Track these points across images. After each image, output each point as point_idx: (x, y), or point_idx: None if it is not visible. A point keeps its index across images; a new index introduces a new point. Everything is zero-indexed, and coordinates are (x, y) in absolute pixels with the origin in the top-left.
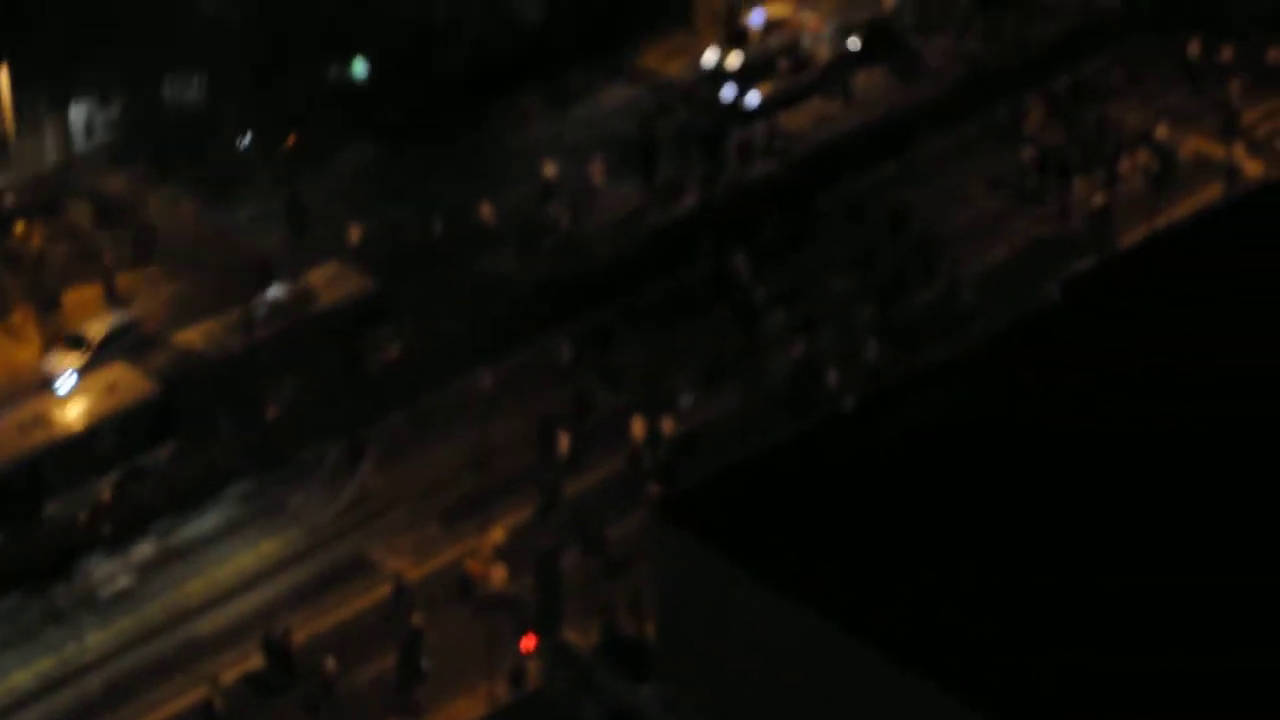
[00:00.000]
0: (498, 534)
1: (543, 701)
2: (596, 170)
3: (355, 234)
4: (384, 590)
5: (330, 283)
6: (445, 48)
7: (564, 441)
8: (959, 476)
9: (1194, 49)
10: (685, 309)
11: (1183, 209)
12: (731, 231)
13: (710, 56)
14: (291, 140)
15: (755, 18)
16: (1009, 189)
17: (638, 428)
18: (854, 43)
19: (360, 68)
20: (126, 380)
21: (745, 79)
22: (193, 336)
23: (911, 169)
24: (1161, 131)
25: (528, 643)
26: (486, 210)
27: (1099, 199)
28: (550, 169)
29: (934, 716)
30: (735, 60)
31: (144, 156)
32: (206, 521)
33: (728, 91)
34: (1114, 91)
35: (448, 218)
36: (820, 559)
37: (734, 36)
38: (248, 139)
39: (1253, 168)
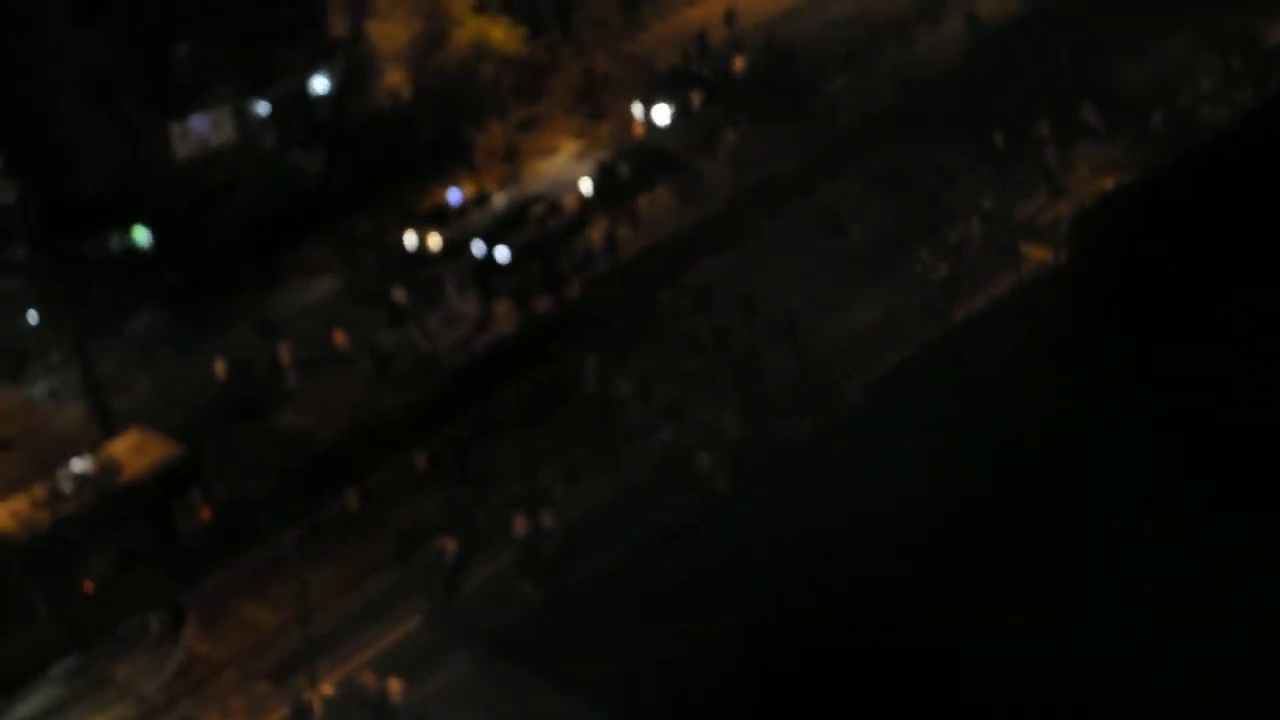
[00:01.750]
0: (327, 688)
1: None
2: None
3: (151, 397)
4: None
5: (133, 451)
6: (224, 206)
7: (449, 545)
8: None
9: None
10: (539, 412)
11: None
12: (574, 335)
13: (410, 240)
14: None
15: (453, 196)
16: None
17: (519, 524)
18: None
19: (142, 235)
20: None
21: (493, 234)
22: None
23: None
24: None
25: None
26: (286, 355)
27: (943, 269)
28: (399, 295)
29: None
30: (436, 242)
31: None
32: (32, 703)
33: (477, 247)
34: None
35: (245, 372)
36: (638, 688)
37: (432, 216)
38: (34, 315)
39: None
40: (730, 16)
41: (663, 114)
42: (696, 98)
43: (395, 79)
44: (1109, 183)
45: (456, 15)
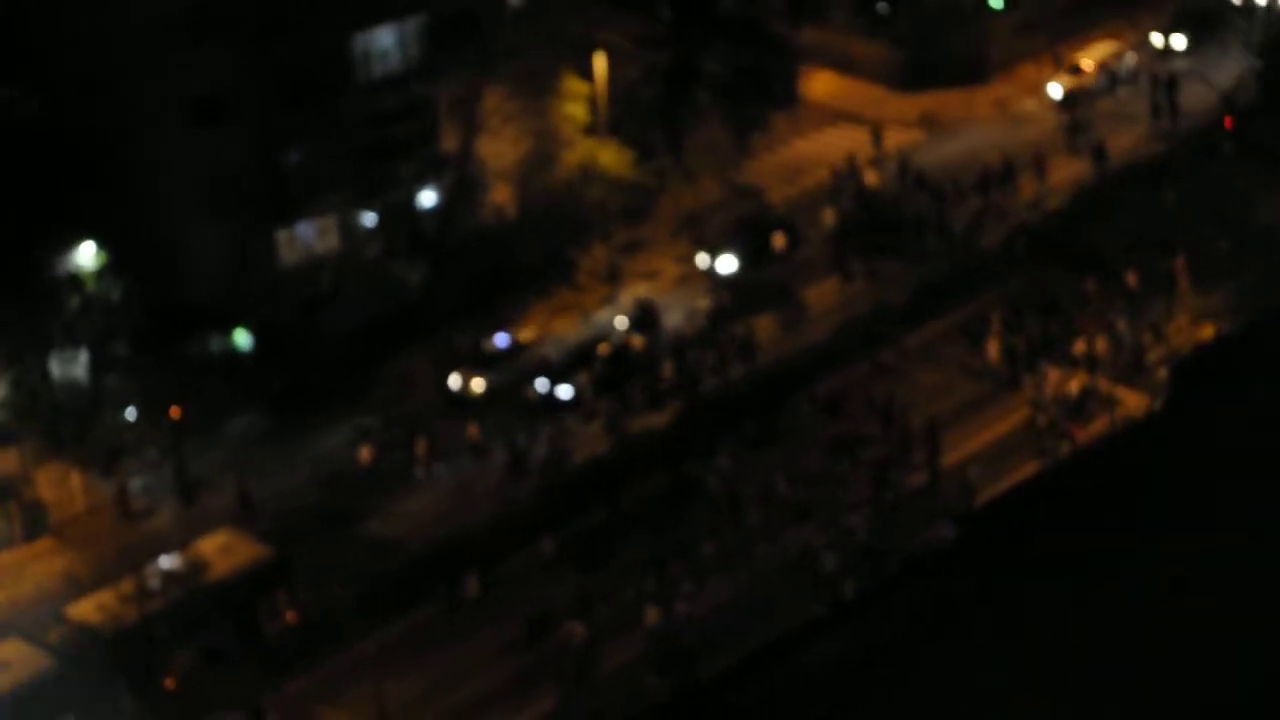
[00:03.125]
0: None
1: None
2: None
3: (245, 500)
4: None
5: (222, 551)
6: (326, 313)
7: (578, 631)
8: None
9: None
10: (675, 510)
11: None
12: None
13: (455, 381)
14: (175, 411)
15: (500, 340)
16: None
17: (651, 614)
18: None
19: (243, 338)
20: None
21: (557, 375)
22: (87, 609)
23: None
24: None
25: None
26: (422, 448)
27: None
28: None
29: None
30: (479, 386)
31: (32, 433)
32: None
33: (540, 385)
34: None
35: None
36: None
37: (479, 359)
38: (132, 412)
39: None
40: (877, 135)
41: (729, 264)
42: (779, 239)
43: (502, 196)
44: (1208, 330)
45: (566, 137)
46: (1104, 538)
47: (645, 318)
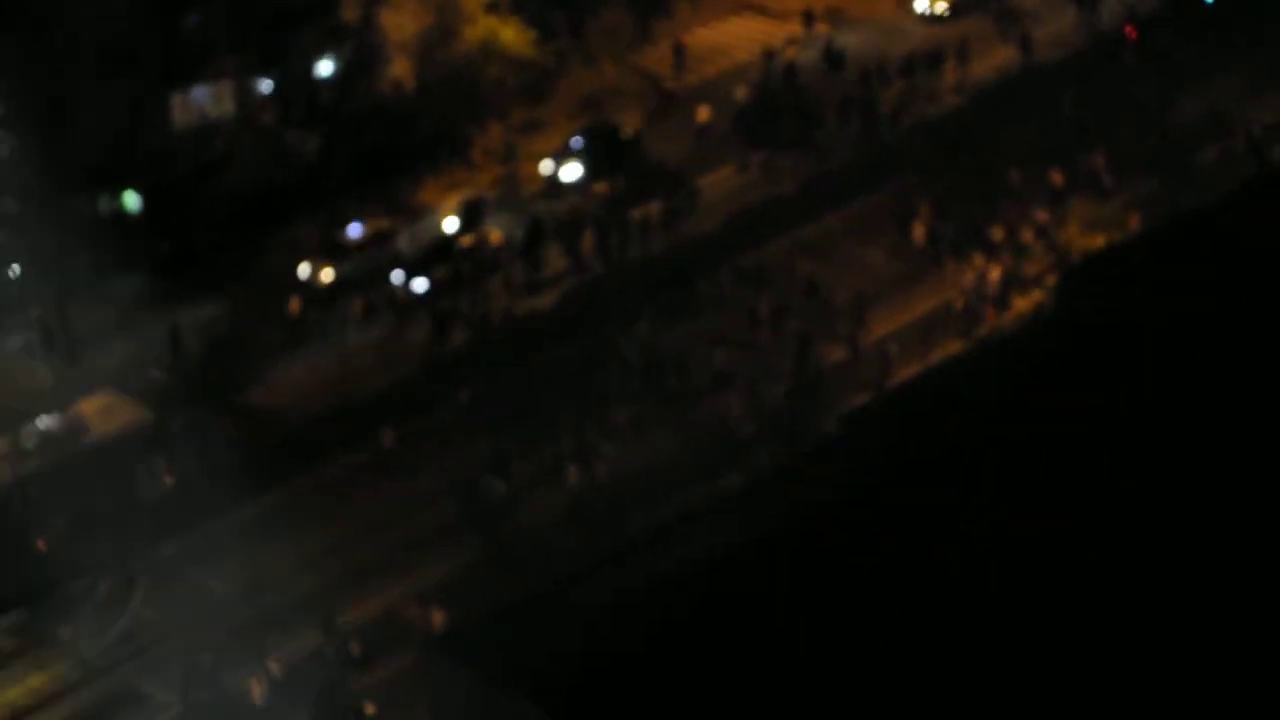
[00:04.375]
0: (274, 665)
1: None
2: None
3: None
4: None
5: (102, 412)
6: (217, 179)
7: (498, 486)
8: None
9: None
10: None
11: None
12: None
13: (304, 271)
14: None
15: (353, 230)
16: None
17: (572, 474)
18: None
19: (132, 200)
20: None
21: (412, 268)
22: None
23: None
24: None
25: None
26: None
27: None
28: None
29: None
30: (328, 275)
31: None
32: None
33: (397, 276)
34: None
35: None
36: (593, 696)
37: (330, 250)
38: (16, 270)
39: None
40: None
41: (573, 172)
42: (703, 113)
43: (401, 70)
44: (1100, 240)
45: (468, 12)
46: (984, 443)
47: (473, 217)
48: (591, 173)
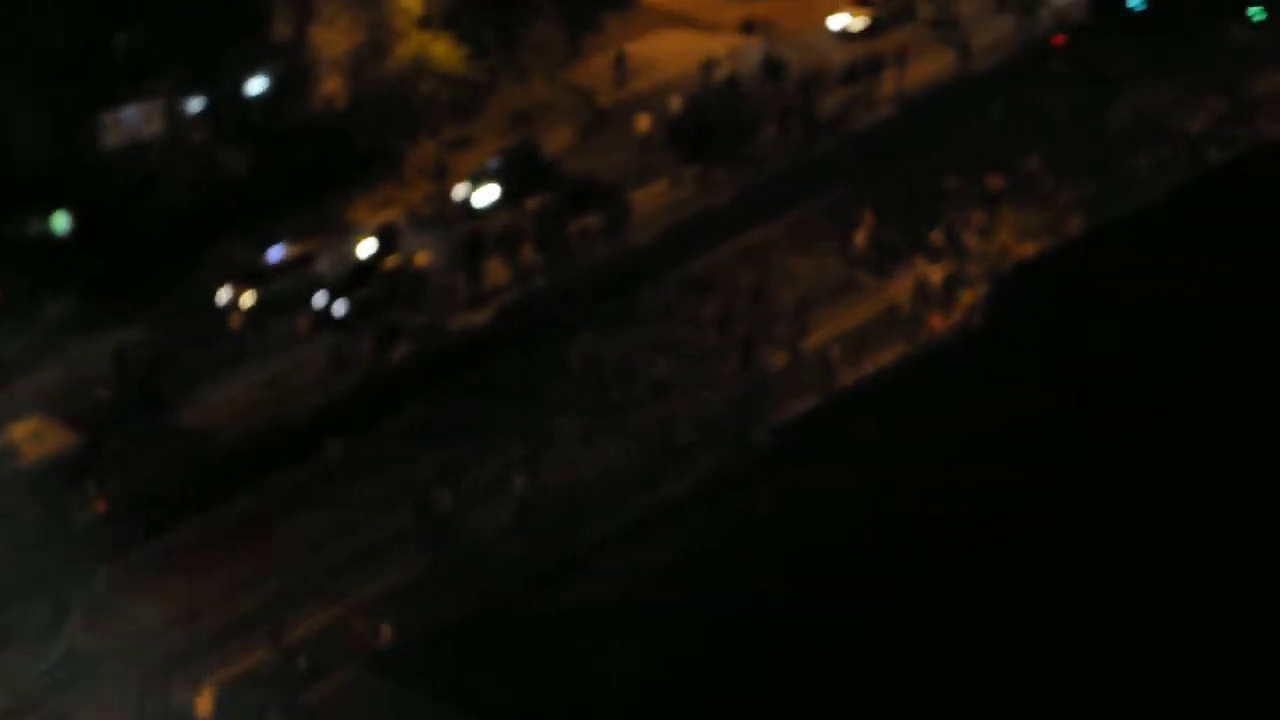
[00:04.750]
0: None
1: None
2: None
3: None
4: None
5: (32, 438)
6: (148, 199)
7: (445, 497)
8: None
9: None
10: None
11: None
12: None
13: (225, 295)
14: None
15: (273, 254)
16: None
17: (519, 485)
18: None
19: (61, 221)
20: None
21: (335, 291)
22: None
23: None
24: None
25: None
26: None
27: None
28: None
29: None
30: (249, 299)
31: None
32: None
33: (319, 300)
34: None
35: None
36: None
37: (251, 274)
38: None
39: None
40: (620, 61)
41: (487, 196)
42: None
43: (333, 87)
44: (1033, 246)
45: (400, 28)
46: (912, 453)
47: (389, 241)
48: (508, 196)
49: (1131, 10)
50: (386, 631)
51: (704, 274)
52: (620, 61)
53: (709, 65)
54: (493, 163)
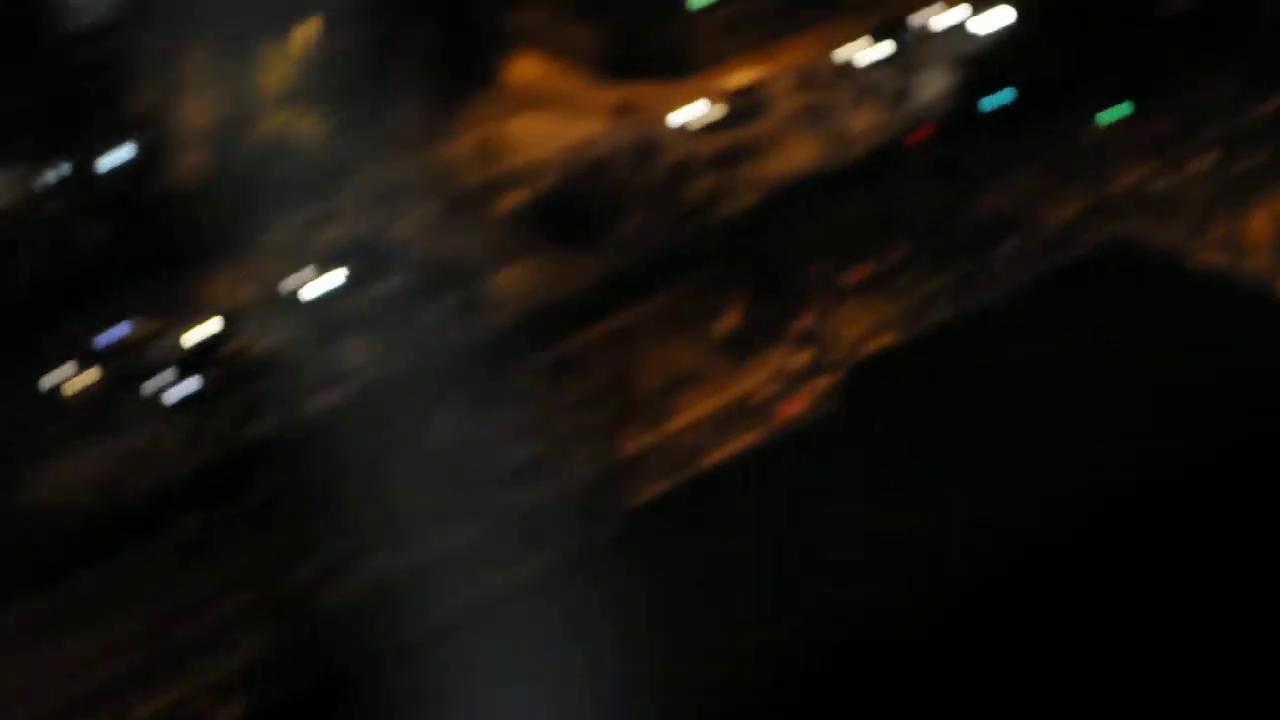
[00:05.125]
0: None
1: None
2: None
3: None
4: None
5: None
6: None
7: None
8: None
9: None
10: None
11: None
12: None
13: (64, 373)
14: None
15: (117, 332)
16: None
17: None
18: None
19: None
20: None
21: (183, 370)
22: None
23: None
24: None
25: None
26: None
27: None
28: None
29: None
30: (79, 384)
31: None
32: None
33: (168, 377)
34: None
35: None
36: None
37: (86, 357)
38: None
39: None
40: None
41: (323, 285)
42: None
43: (194, 161)
44: (886, 337)
45: (263, 104)
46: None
47: (234, 324)
48: (354, 280)
49: (991, 107)
50: (232, 711)
51: (567, 357)
52: (487, 143)
53: (577, 148)
54: (340, 247)
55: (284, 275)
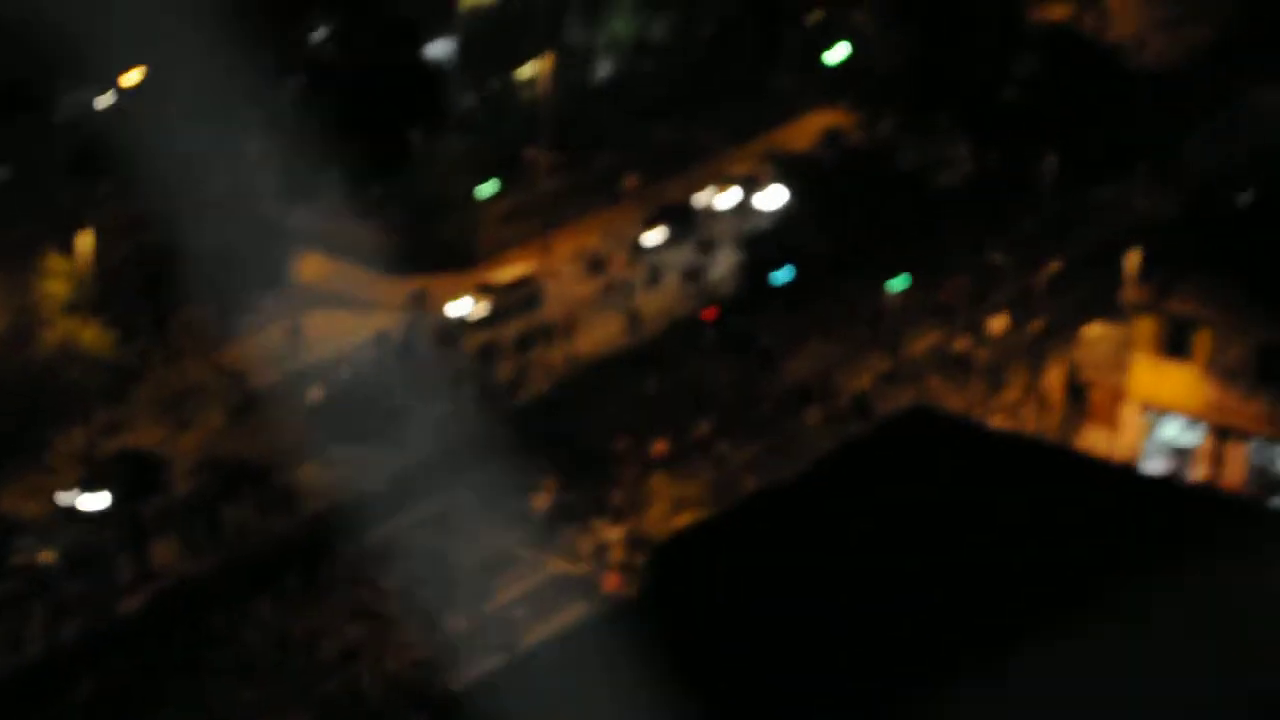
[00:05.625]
0: None
1: None
2: None
3: None
4: None
5: None
6: None
7: None
8: None
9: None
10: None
11: None
12: None
13: None
14: None
15: None
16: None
17: None
18: None
19: None
20: None
21: None
22: None
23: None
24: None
25: None
26: None
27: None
28: None
29: None
30: None
31: None
32: None
33: None
34: None
35: None
36: None
37: None
38: None
39: None
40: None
41: (96, 502)
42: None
43: None
44: (688, 516)
45: (46, 313)
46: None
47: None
48: (120, 499)
49: (778, 282)
50: None
51: (385, 543)
52: (295, 333)
53: (374, 340)
54: (103, 466)
55: (66, 487)
